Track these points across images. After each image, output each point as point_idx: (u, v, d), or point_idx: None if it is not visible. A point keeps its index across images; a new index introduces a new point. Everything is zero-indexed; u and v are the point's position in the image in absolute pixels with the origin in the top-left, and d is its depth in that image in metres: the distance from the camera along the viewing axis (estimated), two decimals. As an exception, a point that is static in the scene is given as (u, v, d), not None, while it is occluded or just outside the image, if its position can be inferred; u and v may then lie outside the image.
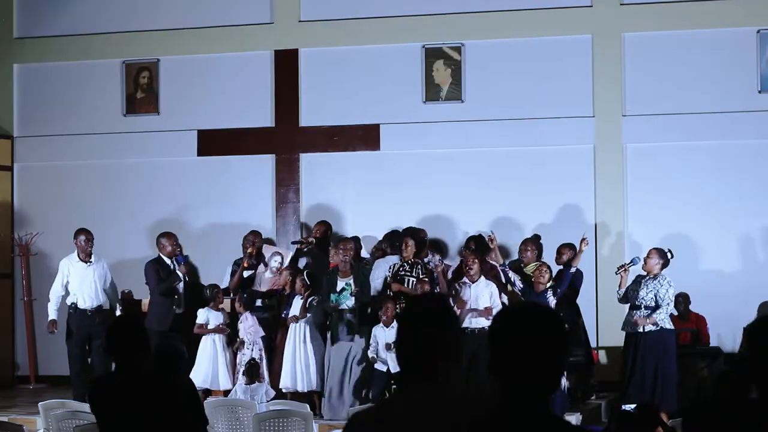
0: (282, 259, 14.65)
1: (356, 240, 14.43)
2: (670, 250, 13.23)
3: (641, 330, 12.93)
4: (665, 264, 13.15)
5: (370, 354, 12.92)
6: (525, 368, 3.70)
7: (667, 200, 15.24)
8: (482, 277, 13.22)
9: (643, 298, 12.98)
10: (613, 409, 13.31)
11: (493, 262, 14.00)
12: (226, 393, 13.28)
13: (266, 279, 14.49)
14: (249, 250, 14.58)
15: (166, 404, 6.38)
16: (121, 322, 6.92)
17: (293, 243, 15.29)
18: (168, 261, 14.21)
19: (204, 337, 13.61)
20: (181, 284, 14.15)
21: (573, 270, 13.62)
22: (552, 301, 13.06)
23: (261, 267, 14.63)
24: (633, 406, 10.87)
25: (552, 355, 3.73)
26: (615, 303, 13.65)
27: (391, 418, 4.09)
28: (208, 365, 13.48)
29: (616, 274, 13.35)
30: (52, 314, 14.31)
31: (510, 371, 3.71)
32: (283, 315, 13.66)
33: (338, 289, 13.26)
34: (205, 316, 13.67)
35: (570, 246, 14.16)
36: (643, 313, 12.95)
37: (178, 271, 14.14)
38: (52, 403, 11.07)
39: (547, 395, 3.75)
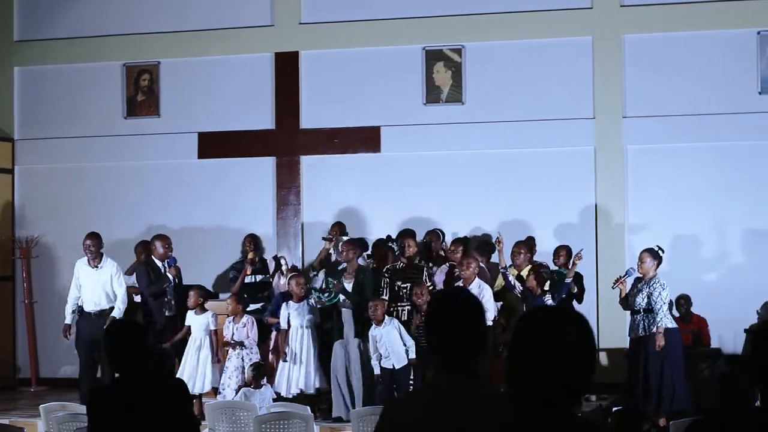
0: (285, 259, 14.70)
1: (362, 241, 14.60)
2: (659, 247, 13.17)
3: (642, 333, 12.91)
4: (659, 263, 13.09)
5: (373, 357, 12.93)
6: (549, 378, 3.50)
7: (667, 201, 15.25)
8: (476, 280, 13.17)
9: (639, 303, 12.94)
10: (603, 411, 13.32)
11: (483, 265, 14.00)
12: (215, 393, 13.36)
13: (283, 285, 14.36)
14: (250, 256, 14.59)
15: (164, 408, 6.36)
16: (116, 328, 6.81)
17: (323, 239, 15.18)
18: (159, 264, 14.21)
19: (191, 340, 13.65)
20: (171, 287, 14.14)
21: (569, 281, 13.51)
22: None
23: (277, 278, 14.58)
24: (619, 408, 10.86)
25: (577, 364, 3.51)
26: (615, 305, 13.63)
27: (423, 407, 4.12)
28: (196, 368, 13.53)
29: (613, 288, 13.28)
30: (67, 318, 14.27)
31: (532, 381, 3.52)
32: (276, 322, 13.69)
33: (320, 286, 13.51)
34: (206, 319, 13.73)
35: (566, 248, 14.21)
36: (646, 323, 12.92)
37: (167, 274, 14.15)
38: (53, 405, 11.05)
39: (572, 405, 3.55)
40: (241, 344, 13.31)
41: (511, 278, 13.45)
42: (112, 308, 14.01)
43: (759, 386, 4.22)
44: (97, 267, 14.15)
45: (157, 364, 7.82)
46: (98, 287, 14.08)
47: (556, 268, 14.07)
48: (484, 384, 4.21)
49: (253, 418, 10.28)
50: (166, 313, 14.04)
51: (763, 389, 4.20)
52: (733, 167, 15.20)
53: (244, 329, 13.41)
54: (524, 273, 13.63)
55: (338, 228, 15.05)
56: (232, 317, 13.55)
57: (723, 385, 12.68)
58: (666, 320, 12.87)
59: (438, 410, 4.08)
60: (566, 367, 3.50)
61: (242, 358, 13.31)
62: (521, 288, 13.33)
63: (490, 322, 13.04)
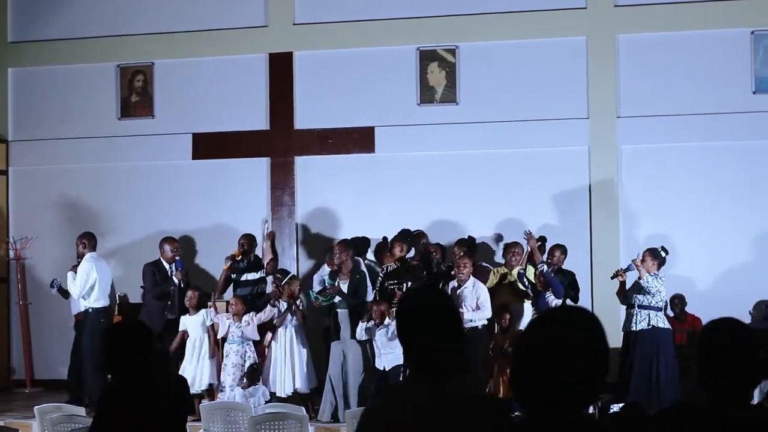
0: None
1: (365, 241, 14.66)
2: (663, 248, 13.28)
3: (633, 328, 13.00)
4: (661, 263, 13.18)
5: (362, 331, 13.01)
6: (554, 379, 3.43)
7: (661, 201, 15.26)
8: (471, 279, 13.24)
9: (635, 297, 13.05)
10: (600, 409, 13.32)
11: (486, 264, 14.16)
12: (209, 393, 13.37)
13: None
14: (234, 253, 14.53)
15: (166, 406, 6.36)
16: (117, 331, 6.76)
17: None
18: (167, 266, 14.23)
19: (189, 342, 13.64)
20: (176, 290, 14.14)
21: (544, 269, 13.60)
22: (553, 302, 13.15)
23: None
24: (620, 405, 10.86)
25: (584, 365, 3.46)
26: (610, 304, 13.66)
27: (398, 412, 4.04)
28: (197, 368, 13.53)
29: (612, 279, 13.37)
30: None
31: (537, 381, 3.46)
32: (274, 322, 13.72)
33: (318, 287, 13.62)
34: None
35: (560, 247, 14.27)
36: (638, 319, 13.01)
37: (173, 277, 14.15)
38: (47, 407, 11.06)
39: (580, 407, 3.49)
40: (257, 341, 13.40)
41: (525, 279, 13.57)
42: (85, 310, 14.14)
43: (705, 383, 4.20)
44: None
45: (157, 366, 7.76)
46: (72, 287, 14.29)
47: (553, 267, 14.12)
48: (463, 392, 4.11)
49: (249, 419, 10.28)
50: (168, 316, 14.03)
51: (711, 386, 4.19)
52: (726, 167, 15.20)
53: (249, 327, 13.40)
54: (530, 274, 13.75)
55: (342, 247, 14.01)
56: (233, 316, 13.49)
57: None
58: (658, 318, 12.97)
59: (409, 414, 4.01)
60: (572, 368, 3.43)
61: (241, 356, 13.30)
62: (530, 286, 13.49)
63: (485, 321, 13.10)
